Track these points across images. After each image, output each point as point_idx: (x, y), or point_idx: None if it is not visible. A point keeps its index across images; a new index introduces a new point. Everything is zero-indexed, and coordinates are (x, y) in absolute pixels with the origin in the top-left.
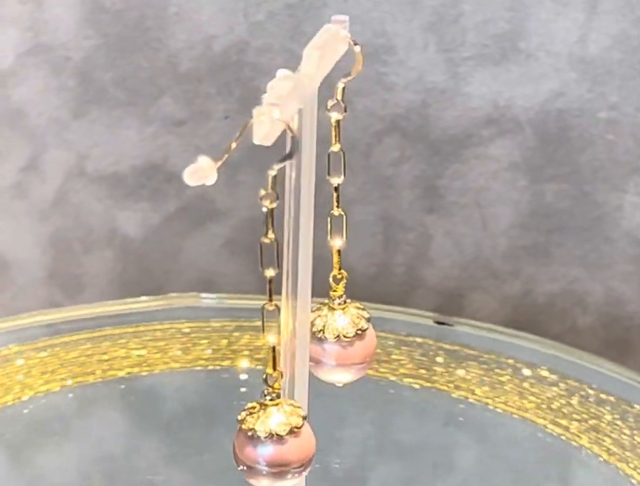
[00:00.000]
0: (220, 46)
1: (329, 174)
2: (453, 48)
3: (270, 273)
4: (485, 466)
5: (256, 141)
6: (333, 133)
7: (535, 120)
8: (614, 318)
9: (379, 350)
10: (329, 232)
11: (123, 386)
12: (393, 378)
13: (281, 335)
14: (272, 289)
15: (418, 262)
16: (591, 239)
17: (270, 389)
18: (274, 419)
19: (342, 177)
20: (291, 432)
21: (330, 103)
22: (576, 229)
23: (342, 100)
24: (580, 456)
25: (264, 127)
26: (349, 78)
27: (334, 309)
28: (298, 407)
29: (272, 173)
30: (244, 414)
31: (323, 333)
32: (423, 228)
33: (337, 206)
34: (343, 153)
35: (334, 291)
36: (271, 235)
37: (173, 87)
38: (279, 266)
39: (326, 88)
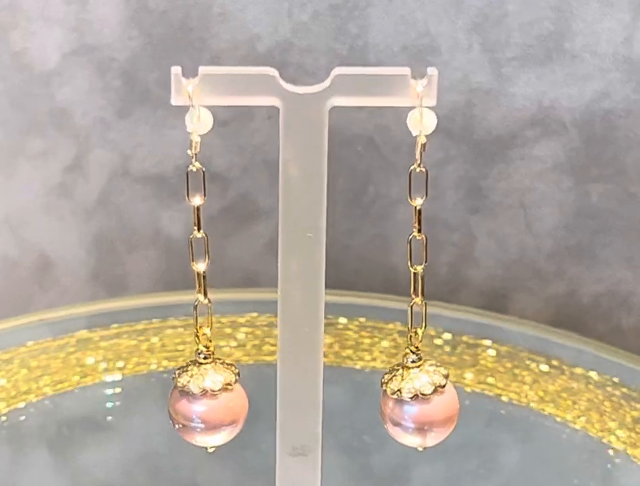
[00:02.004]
0: (264, 47)
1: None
2: (497, 48)
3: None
4: (529, 467)
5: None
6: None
7: (579, 121)
8: None
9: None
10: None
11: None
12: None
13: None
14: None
15: (463, 263)
16: (636, 240)
17: (202, 348)
18: (210, 377)
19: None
20: (224, 389)
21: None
22: (621, 229)
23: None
24: (621, 459)
25: (175, 88)
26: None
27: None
28: (231, 364)
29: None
30: (178, 372)
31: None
32: (467, 228)
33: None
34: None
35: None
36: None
37: None
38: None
39: None
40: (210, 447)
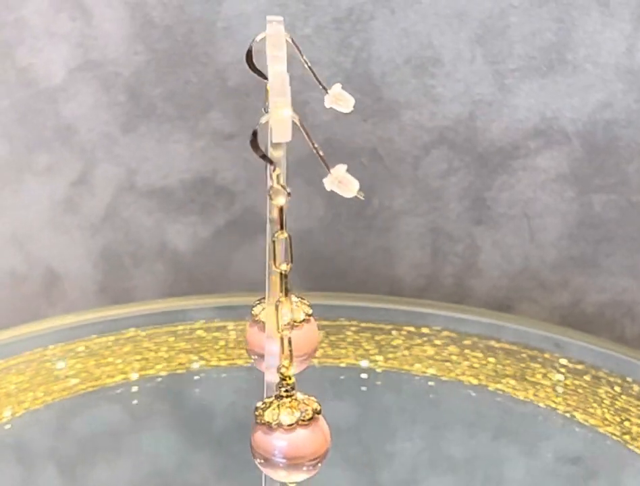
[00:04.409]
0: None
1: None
2: (500, 60)
3: (284, 267)
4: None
5: (276, 140)
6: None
7: (582, 131)
8: None
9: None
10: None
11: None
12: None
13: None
14: (287, 284)
15: (467, 273)
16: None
17: (284, 382)
18: (288, 411)
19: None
20: (304, 424)
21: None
22: (625, 239)
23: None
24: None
25: (285, 126)
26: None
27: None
28: (312, 400)
29: (277, 171)
30: (260, 406)
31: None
32: (471, 239)
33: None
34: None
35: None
36: (285, 233)
37: (221, 101)
38: (292, 260)
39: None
40: (292, 483)
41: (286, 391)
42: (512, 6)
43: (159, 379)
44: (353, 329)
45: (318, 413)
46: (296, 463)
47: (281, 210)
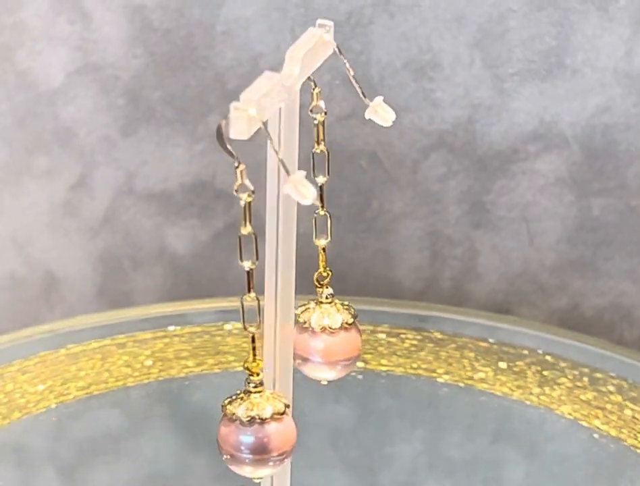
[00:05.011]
0: (267, 64)
1: (314, 174)
2: (499, 64)
3: (249, 265)
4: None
5: (232, 136)
6: (316, 134)
7: (581, 135)
8: None
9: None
10: (314, 231)
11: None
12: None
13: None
14: (251, 281)
15: (466, 277)
16: (638, 253)
17: (252, 378)
18: (258, 406)
19: (326, 177)
20: (273, 418)
21: (311, 105)
22: (624, 243)
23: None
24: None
25: (241, 123)
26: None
27: (322, 303)
28: (281, 395)
29: (240, 167)
30: (226, 401)
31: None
32: (470, 243)
33: (322, 206)
34: (328, 153)
35: (319, 288)
36: (249, 227)
37: (221, 105)
38: (258, 258)
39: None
40: (258, 479)
41: (255, 387)
42: (511, 10)
43: (158, 383)
44: None
45: (287, 409)
46: (262, 458)
47: (245, 207)
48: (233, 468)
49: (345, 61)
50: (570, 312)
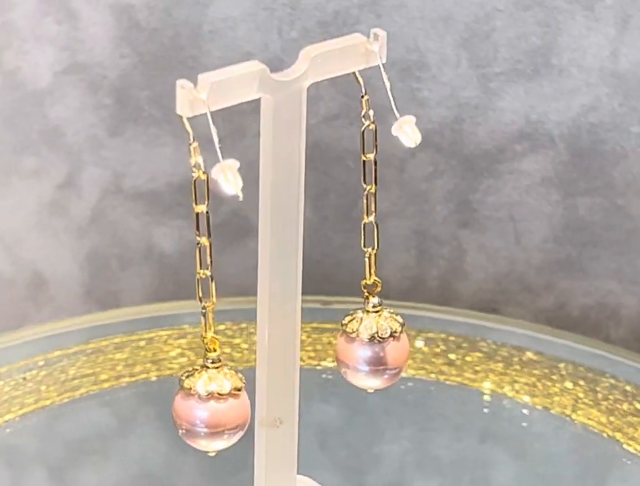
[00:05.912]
0: None
1: (364, 182)
2: (485, 64)
3: (201, 208)
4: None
5: (178, 111)
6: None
7: (567, 135)
8: None
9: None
10: (362, 239)
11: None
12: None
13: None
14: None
15: (452, 276)
16: (625, 252)
17: (209, 354)
18: (214, 381)
19: (373, 185)
20: (231, 394)
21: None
22: (610, 242)
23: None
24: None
25: (186, 100)
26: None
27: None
28: (236, 372)
29: (194, 145)
30: (184, 376)
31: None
32: (457, 242)
33: (375, 214)
34: (376, 162)
35: (367, 296)
36: (201, 207)
37: None
38: (210, 236)
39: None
40: (212, 452)
41: (212, 362)
42: (497, 10)
43: (149, 383)
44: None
45: (242, 385)
46: (217, 431)
47: (193, 183)
48: (189, 441)
49: (384, 71)
50: (556, 312)
